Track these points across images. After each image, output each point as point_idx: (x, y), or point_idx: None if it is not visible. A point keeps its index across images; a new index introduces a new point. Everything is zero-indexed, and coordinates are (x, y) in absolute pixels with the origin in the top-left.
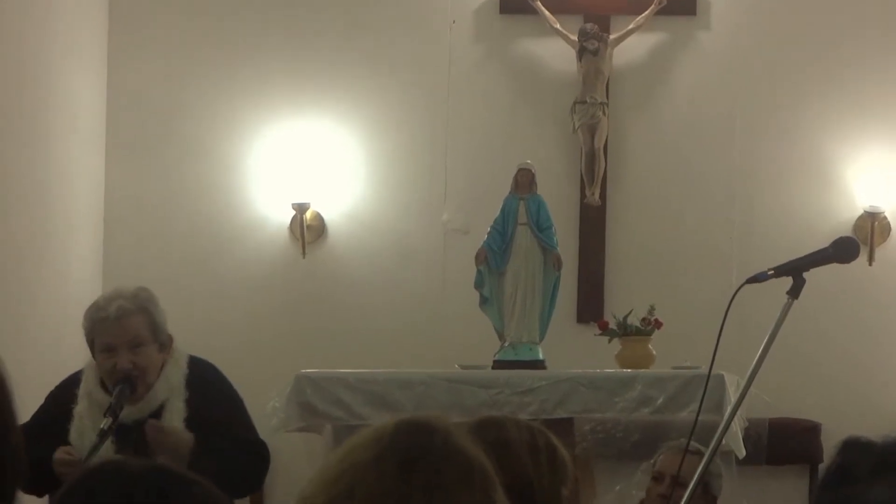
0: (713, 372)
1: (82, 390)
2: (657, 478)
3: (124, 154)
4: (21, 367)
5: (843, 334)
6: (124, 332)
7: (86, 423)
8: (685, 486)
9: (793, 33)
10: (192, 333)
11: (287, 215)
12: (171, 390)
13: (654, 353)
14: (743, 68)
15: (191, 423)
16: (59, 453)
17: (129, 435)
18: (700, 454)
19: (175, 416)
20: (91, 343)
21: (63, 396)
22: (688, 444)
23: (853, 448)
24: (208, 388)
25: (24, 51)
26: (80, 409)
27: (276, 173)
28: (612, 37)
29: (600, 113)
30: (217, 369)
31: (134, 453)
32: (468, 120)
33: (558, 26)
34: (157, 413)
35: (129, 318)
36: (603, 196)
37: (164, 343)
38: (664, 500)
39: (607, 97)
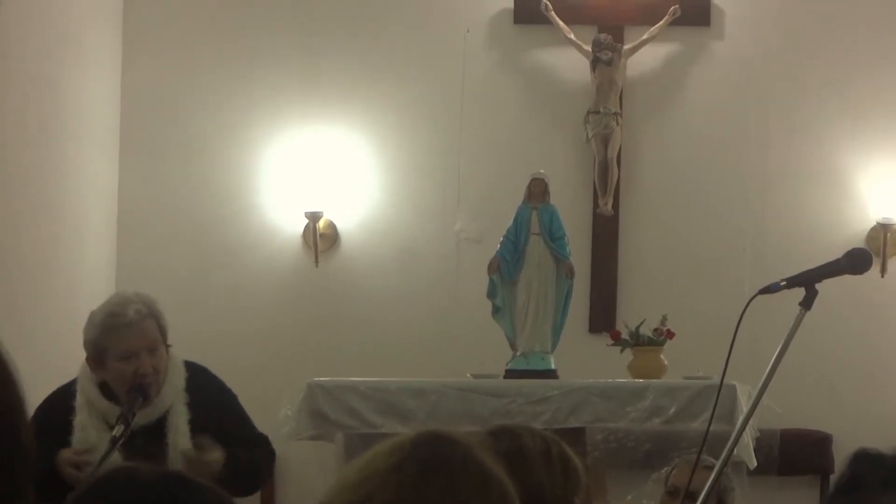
0: (725, 382)
1: (80, 401)
2: (672, 492)
3: (137, 161)
4: (31, 373)
5: (855, 346)
6: (144, 335)
7: (90, 434)
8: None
9: (806, 44)
10: (204, 341)
11: (300, 224)
12: (175, 394)
13: (666, 363)
14: (756, 79)
15: (194, 425)
16: (66, 453)
17: (133, 441)
18: (713, 468)
19: (181, 420)
20: (101, 352)
21: (56, 409)
22: (699, 455)
23: (864, 460)
24: (207, 391)
25: (38, 56)
26: (81, 420)
27: (290, 182)
28: (625, 47)
29: (614, 123)
30: (211, 372)
31: (143, 460)
32: (481, 129)
33: (572, 36)
34: (163, 417)
35: (146, 321)
36: (616, 206)
37: (169, 346)
38: None
39: (621, 107)
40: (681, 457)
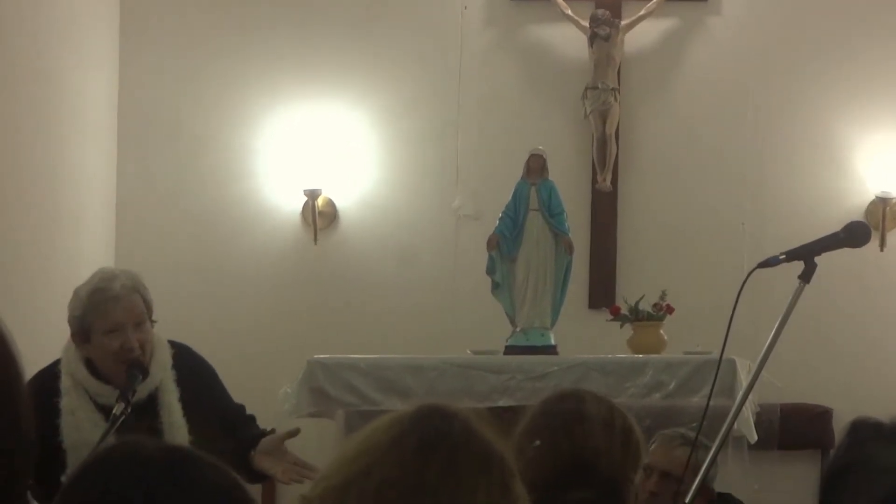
0: (724, 357)
1: (66, 383)
2: (646, 470)
3: (135, 143)
4: (30, 359)
5: (854, 319)
6: (130, 309)
7: (80, 416)
8: (676, 479)
9: (804, 18)
10: (204, 320)
11: (299, 202)
12: (164, 371)
13: (666, 338)
14: (754, 53)
15: (184, 402)
16: None
17: (125, 419)
18: (689, 442)
19: (172, 398)
20: (87, 327)
21: (41, 392)
22: (698, 433)
23: (863, 427)
24: (193, 369)
25: (36, 40)
26: (69, 402)
27: (288, 160)
28: (623, 22)
29: (612, 99)
30: (194, 349)
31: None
32: (479, 106)
33: (569, 12)
34: (154, 395)
35: (132, 295)
36: (614, 182)
37: (154, 322)
38: (654, 497)
39: (619, 83)
40: (661, 433)
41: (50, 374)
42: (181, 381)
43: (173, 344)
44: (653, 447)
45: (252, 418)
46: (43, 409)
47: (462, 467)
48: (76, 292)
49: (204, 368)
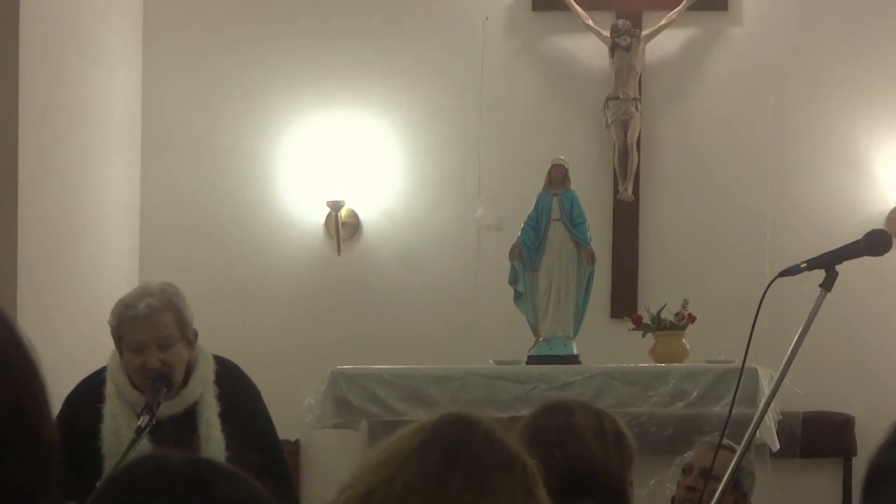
0: (747, 365)
1: (110, 389)
2: (686, 470)
3: (159, 152)
4: (55, 364)
5: (876, 327)
6: (154, 330)
7: (120, 423)
8: (716, 479)
9: (824, 27)
10: (228, 331)
11: (322, 213)
12: (205, 386)
13: (688, 347)
14: (774, 63)
15: (224, 418)
16: None
17: (163, 431)
18: (732, 450)
19: (211, 412)
20: (118, 340)
21: (86, 396)
22: (721, 437)
23: None
24: (235, 385)
25: (62, 51)
26: (111, 408)
27: (311, 171)
28: (644, 33)
29: (633, 108)
30: (240, 368)
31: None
32: (501, 116)
33: (590, 22)
34: (192, 409)
35: (159, 316)
36: (636, 191)
37: (191, 340)
38: (691, 491)
39: (640, 93)
40: (701, 440)
41: (97, 380)
42: (223, 398)
43: (220, 360)
44: (693, 451)
45: (285, 473)
46: (88, 414)
47: (485, 474)
48: (116, 303)
49: (247, 388)
